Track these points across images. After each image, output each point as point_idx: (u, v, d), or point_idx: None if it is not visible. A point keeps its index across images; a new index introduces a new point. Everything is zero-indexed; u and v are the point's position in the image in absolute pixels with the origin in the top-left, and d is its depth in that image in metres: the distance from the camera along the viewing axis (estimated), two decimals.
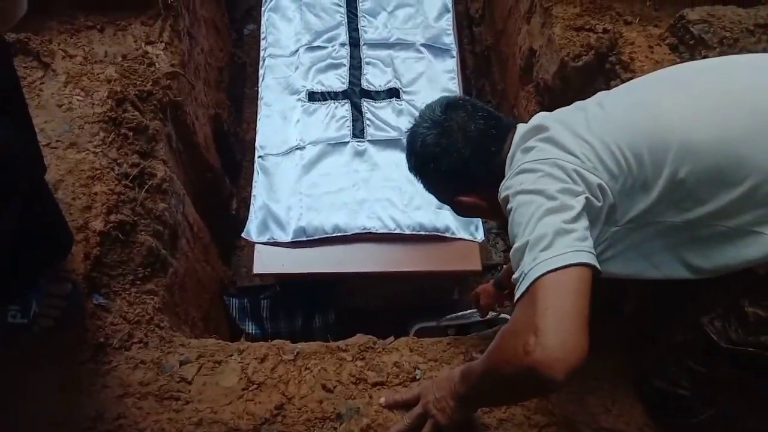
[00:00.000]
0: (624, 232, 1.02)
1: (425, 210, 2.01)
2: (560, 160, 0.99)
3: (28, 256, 1.15)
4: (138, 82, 1.67)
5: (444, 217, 2.00)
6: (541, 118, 1.14)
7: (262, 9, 2.49)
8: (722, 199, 0.96)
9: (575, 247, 0.89)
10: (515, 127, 1.18)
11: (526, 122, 1.16)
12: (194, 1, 2.13)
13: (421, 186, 1.30)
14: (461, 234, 2.00)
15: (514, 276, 0.94)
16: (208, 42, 2.32)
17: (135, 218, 1.47)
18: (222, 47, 2.52)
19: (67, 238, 1.26)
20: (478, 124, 1.17)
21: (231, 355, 1.34)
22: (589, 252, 0.90)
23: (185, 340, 1.40)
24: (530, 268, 0.90)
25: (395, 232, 1.97)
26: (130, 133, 1.57)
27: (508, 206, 1.02)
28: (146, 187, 1.54)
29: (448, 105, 1.22)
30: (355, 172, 2.08)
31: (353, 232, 1.96)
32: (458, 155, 1.17)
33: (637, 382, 1.26)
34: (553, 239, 0.90)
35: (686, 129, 0.97)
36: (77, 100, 1.55)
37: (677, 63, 1.59)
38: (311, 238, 1.96)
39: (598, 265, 0.90)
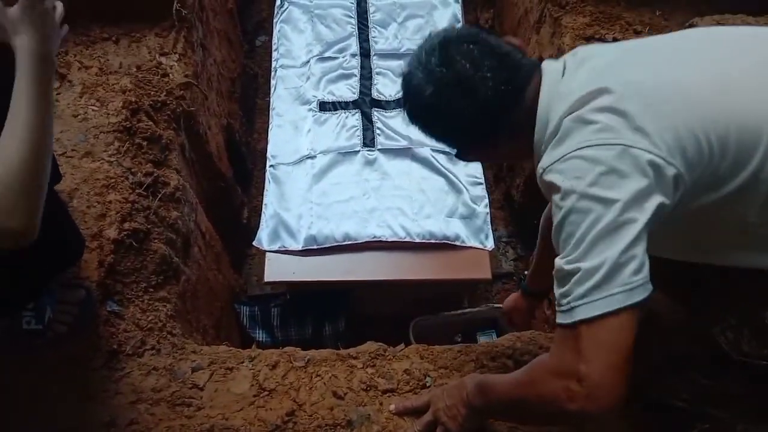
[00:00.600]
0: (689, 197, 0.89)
1: (435, 219, 2.02)
2: (632, 148, 0.83)
3: (40, 261, 1.17)
4: (152, 93, 1.70)
5: (454, 226, 2.00)
6: (598, 69, 0.92)
7: (274, 20, 2.52)
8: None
9: (629, 284, 0.82)
10: (539, 68, 0.98)
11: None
12: (208, 13, 2.16)
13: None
14: (471, 242, 2.00)
15: (558, 294, 0.87)
16: (221, 53, 2.35)
17: (148, 226, 1.49)
18: (234, 58, 2.55)
19: (78, 243, 1.28)
20: (486, 80, 0.94)
21: (242, 362, 1.35)
22: (642, 284, 0.83)
23: (197, 347, 1.42)
24: (578, 304, 0.84)
25: (405, 240, 1.98)
26: (144, 143, 1.59)
27: (557, 202, 0.88)
28: (159, 195, 1.56)
29: (447, 47, 0.97)
30: (366, 181, 2.09)
31: (363, 241, 1.97)
32: (461, 115, 0.97)
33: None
34: (606, 275, 0.82)
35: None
36: (92, 110, 1.58)
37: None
38: (321, 246, 1.97)
39: (647, 292, 0.84)
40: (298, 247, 1.98)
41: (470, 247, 2.00)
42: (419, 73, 0.99)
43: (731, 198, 0.86)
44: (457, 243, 2.00)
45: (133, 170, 1.53)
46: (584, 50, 0.99)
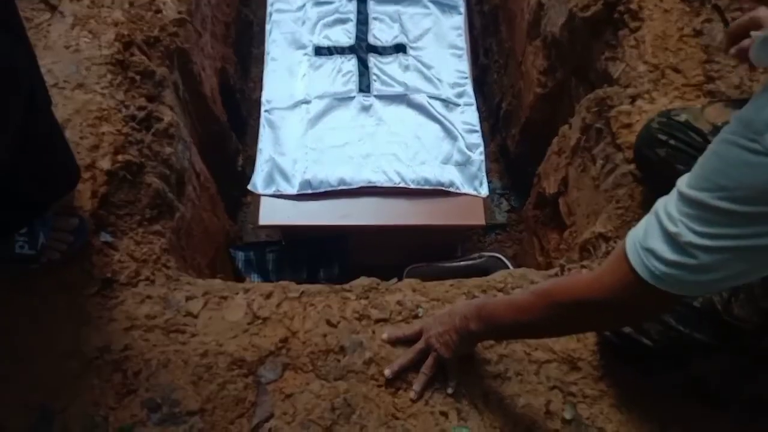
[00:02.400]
0: None
1: (430, 165, 2.01)
2: None
3: (35, 184, 1.16)
4: (145, 28, 1.67)
5: (448, 172, 2.00)
6: None
7: None
8: None
9: (691, 279, 0.73)
10: None
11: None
12: None
13: None
14: (465, 189, 2.00)
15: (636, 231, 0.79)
16: None
17: (142, 159, 1.48)
18: (229, 2, 2.51)
19: (74, 169, 1.27)
20: None
21: (237, 293, 1.35)
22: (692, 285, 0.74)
23: (191, 279, 1.42)
24: (643, 256, 0.76)
25: (400, 186, 1.98)
26: (138, 77, 1.57)
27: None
28: (153, 130, 1.55)
29: None
30: (361, 126, 2.08)
31: (358, 186, 1.97)
32: None
33: None
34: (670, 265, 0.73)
35: None
36: (84, 42, 1.55)
37: (687, 11, 1.58)
38: (316, 191, 1.97)
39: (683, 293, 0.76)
40: (293, 191, 1.97)
41: (464, 194, 2.00)
42: None
43: None
44: (452, 189, 2.00)
45: (126, 103, 1.51)
46: None
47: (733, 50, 0.95)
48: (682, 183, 0.72)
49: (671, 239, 0.72)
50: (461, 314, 1.10)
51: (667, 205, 0.74)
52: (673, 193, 0.74)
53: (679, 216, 0.71)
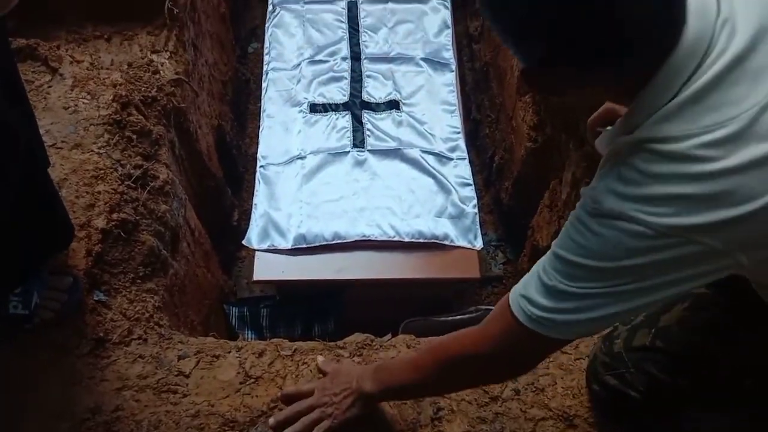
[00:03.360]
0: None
1: (424, 218, 2.03)
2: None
3: (30, 244, 1.17)
4: (143, 88, 1.71)
5: (443, 225, 2.02)
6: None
7: (266, 25, 2.54)
8: None
9: (562, 319, 0.80)
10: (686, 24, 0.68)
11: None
12: (200, 14, 2.18)
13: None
14: (460, 242, 2.01)
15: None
16: (213, 55, 2.37)
17: (137, 218, 1.50)
18: (226, 62, 2.57)
19: (68, 228, 1.28)
20: None
21: (229, 352, 1.34)
22: (566, 330, 0.82)
23: (184, 337, 1.41)
24: (518, 294, 0.84)
25: (395, 239, 1.99)
26: (134, 136, 1.60)
27: (577, 211, 0.79)
28: (148, 188, 1.57)
29: None
30: (356, 181, 2.10)
31: (353, 240, 1.98)
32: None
33: (587, 376, 1.23)
34: (549, 298, 0.81)
35: None
36: (83, 103, 1.59)
37: None
38: (311, 245, 1.98)
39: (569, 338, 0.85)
40: (288, 245, 1.98)
41: (459, 247, 2.01)
42: None
43: None
44: (446, 242, 2.01)
45: (122, 162, 1.54)
46: None
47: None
48: (555, 242, 0.81)
49: (545, 288, 0.80)
50: (358, 375, 1.12)
51: (544, 261, 0.83)
52: (549, 252, 0.82)
53: (552, 270, 0.80)
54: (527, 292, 0.83)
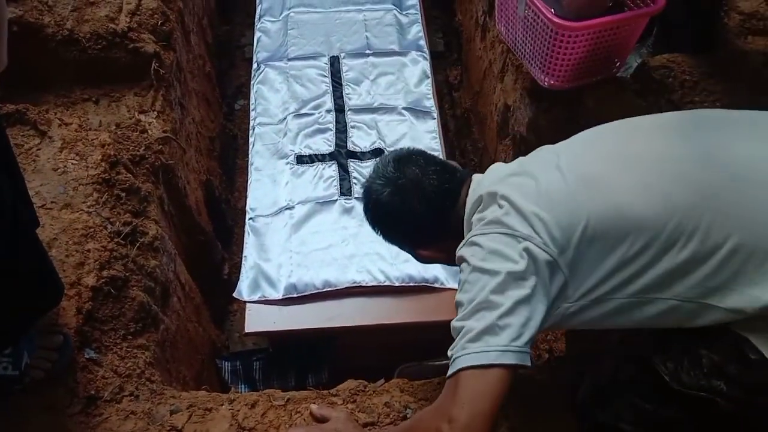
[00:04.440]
0: (577, 308, 1.02)
1: (413, 262, 2.02)
2: (513, 233, 1.00)
3: (19, 305, 1.18)
4: (131, 147, 1.75)
5: (432, 268, 2.03)
6: (495, 180, 1.12)
7: (252, 83, 2.62)
8: (661, 270, 0.96)
9: (504, 346, 0.95)
10: (471, 178, 1.19)
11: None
12: (186, 74, 2.24)
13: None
14: (450, 284, 2.02)
15: (449, 352, 1.01)
16: (200, 113, 2.42)
17: (127, 274, 1.51)
18: (213, 119, 2.63)
19: (57, 287, 1.29)
20: (431, 180, 1.16)
21: (221, 404, 1.34)
22: (519, 351, 0.95)
23: (176, 392, 1.40)
24: (459, 355, 0.97)
25: (385, 284, 2.00)
26: (123, 194, 1.63)
27: (460, 274, 1.06)
28: (138, 244, 1.58)
29: (400, 160, 1.20)
30: (344, 228, 2.13)
31: (343, 287, 1.99)
32: (413, 212, 1.16)
33: (577, 413, 1.24)
34: (483, 334, 0.96)
35: (638, 205, 0.98)
36: (72, 163, 1.61)
37: (643, 105, 1.68)
38: (302, 294, 1.99)
39: (526, 362, 0.97)
40: (278, 295, 1.99)
41: (450, 289, 2.02)
42: (378, 180, 1.21)
43: (609, 279, 0.99)
44: (437, 285, 2.02)
45: (111, 220, 1.56)
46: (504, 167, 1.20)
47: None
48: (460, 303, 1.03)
49: (458, 331, 0.99)
50: None
51: (464, 327, 0.99)
52: (462, 314, 1.00)
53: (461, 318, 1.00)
54: (475, 347, 0.95)
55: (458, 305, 1.03)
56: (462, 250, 1.06)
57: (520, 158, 1.19)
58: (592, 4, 1.57)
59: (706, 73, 1.71)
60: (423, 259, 1.29)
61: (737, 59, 1.75)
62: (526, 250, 0.98)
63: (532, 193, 1.03)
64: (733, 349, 0.97)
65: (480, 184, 1.15)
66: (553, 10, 1.52)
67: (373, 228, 1.29)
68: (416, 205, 1.16)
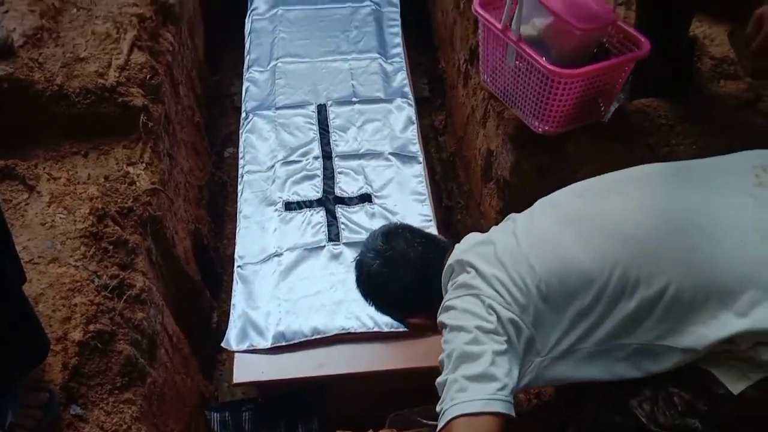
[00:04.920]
0: (550, 361, 1.09)
1: None
2: (478, 294, 1.09)
3: (4, 362, 1.17)
4: (119, 200, 1.76)
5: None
6: (464, 249, 1.22)
7: (240, 131, 2.66)
8: (616, 319, 1.04)
9: (491, 395, 0.99)
10: (452, 248, 1.28)
11: (482, 230, 1.28)
12: (174, 125, 2.28)
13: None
14: None
15: (437, 408, 1.05)
16: (188, 162, 2.45)
17: (113, 328, 1.51)
18: (202, 168, 2.66)
19: (43, 344, 1.29)
20: (417, 250, 1.29)
21: None
22: (504, 400, 1.00)
23: None
24: (449, 406, 1.01)
25: (374, 330, 2.00)
26: (111, 247, 1.64)
27: (443, 337, 1.14)
28: (125, 297, 1.58)
29: (388, 234, 1.34)
30: (332, 274, 2.14)
31: (332, 334, 1.99)
32: (401, 281, 1.28)
33: None
34: (469, 384, 1.01)
35: (581, 261, 1.06)
36: (60, 218, 1.63)
37: (622, 152, 1.72)
38: (290, 342, 1.98)
39: (511, 412, 1.01)
40: (267, 344, 1.98)
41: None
42: (369, 253, 1.33)
43: (573, 331, 1.07)
44: None
45: (99, 273, 1.56)
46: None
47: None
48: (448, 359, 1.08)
49: (443, 385, 1.04)
50: None
51: (452, 378, 1.03)
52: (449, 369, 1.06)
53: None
54: (463, 397, 0.99)
55: (441, 365, 1.09)
56: (440, 316, 1.15)
57: (493, 227, 1.30)
58: (580, 52, 1.63)
59: (682, 117, 1.76)
60: (415, 329, 1.40)
61: (711, 103, 1.80)
62: (492, 308, 1.06)
63: (491, 258, 1.13)
64: (700, 386, 1.02)
65: (453, 254, 1.24)
66: (544, 58, 1.57)
67: (366, 299, 1.39)
68: (403, 274, 1.27)
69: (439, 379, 1.07)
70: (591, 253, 1.06)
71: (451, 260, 1.21)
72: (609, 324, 1.04)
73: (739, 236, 1.01)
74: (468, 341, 1.04)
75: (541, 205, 1.25)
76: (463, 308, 1.09)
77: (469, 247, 1.22)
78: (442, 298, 1.20)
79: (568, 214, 1.16)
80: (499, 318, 1.05)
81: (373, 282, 1.33)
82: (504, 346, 1.03)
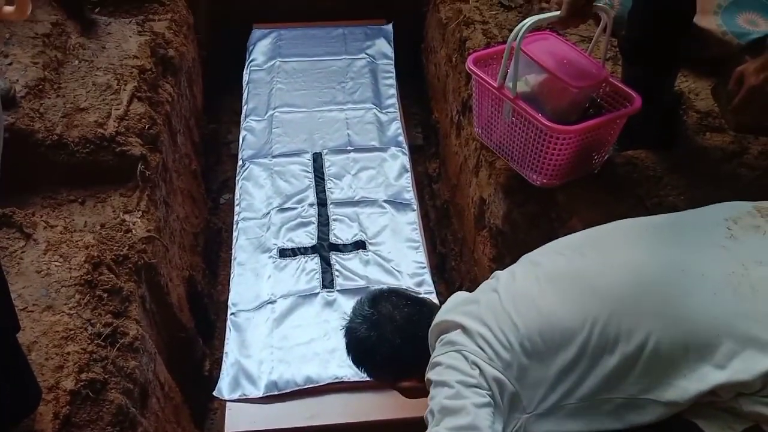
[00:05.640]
0: (535, 418, 1.09)
1: None
2: (462, 350, 1.12)
3: None
4: (115, 248, 1.77)
5: None
6: (451, 308, 1.25)
7: (237, 178, 2.69)
8: (600, 374, 1.05)
9: None
10: (438, 308, 1.31)
11: (476, 277, 1.30)
12: (171, 174, 2.31)
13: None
14: None
15: None
16: (184, 209, 2.47)
17: (106, 376, 1.50)
18: (198, 214, 2.68)
19: (35, 392, 1.28)
20: (403, 313, 1.32)
21: None
22: None
23: None
24: None
25: (367, 379, 1.97)
26: (105, 295, 1.64)
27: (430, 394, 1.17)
28: (118, 345, 1.58)
29: (374, 299, 1.38)
30: (326, 321, 2.14)
31: (325, 383, 1.98)
32: (389, 344, 1.31)
33: None
34: None
35: (561, 318, 1.09)
36: (55, 265, 1.63)
37: (611, 202, 1.76)
38: (283, 391, 1.97)
39: None
40: (259, 393, 1.97)
41: None
42: (356, 319, 1.37)
43: (556, 388, 1.08)
44: None
45: (92, 321, 1.56)
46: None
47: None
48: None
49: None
50: None
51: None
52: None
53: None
54: None
55: (426, 420, 1.12)
56: (427, 373, 1.18)
57: (480, 286, 1.31)
58: (574, 108, 1.68)
59: (669, 168, 1.80)
60: (407, 393, 1.40)
61: (697, 155, 1.85)
62: (475, 363, 1.09)
63: (475, 315, 1.16)
64: None
65: (439, 313, 1.27)
66: (540, 114, 1.62)
67: (357, 366, 1.42)
68: (391, 337, 1.30)
69: None
70: (571, 309, 1.09)
71: (437, 320, 1.24)
72: (593, 379, 1.05)
73: (712, 289, 1.03)
74: (450, 396, 1.07)
75: (523, 263, 1.28)
76: (448, 364, 1.11)
77: (454, 306, 1.25)
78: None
79: (548, 272, 1.18)
80: (482, 373, 1.08)
81: (362, 347, 1.36)
82: (486, 399, 1.06)
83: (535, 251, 1.29)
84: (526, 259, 1.29)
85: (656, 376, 1.02)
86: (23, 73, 2.01)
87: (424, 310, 1.33)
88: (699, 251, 1.10)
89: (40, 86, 2.03)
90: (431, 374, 1.16)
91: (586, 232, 1.28)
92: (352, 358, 1.41)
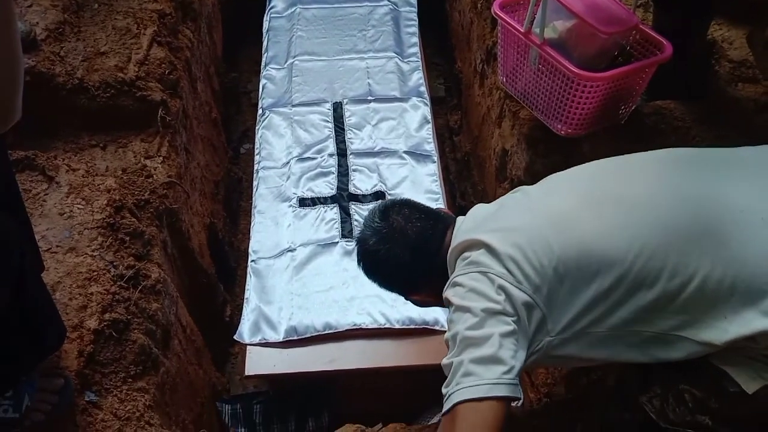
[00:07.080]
0: (559, 341, 1.06)
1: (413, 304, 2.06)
2: (488, 272, 1.05)
3: (21, 347, 1.20)
4: (136, 192, 1.79)
5: (432, 310, 2.04)
6: (473, 224, 1.18)
7: (256, 128, 2.68)
8: (633, 307, 1.01)
9: (496, 379, 0.97)
10: (455, 220, 1.25)
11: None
12: (192, 120, 2.31)
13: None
14: None
15: (443, 390, 1.03)
16: (205, 157, 2.47)
17: (128, 317, 1.53)
18: (218, 163, 2.68)
19: (60, 330, 1.31)
20: (415, 226, 1.23)
21: None
22: (509, 383, 0.98)
23: None
24: (453, 391, 1.00)
25: (385, 326, 2.01)
26: (127, 238, 1.66)
27: (448, 315, 1.12)
28: (140, 287, 1.61)
29: (385, 210, 1.28)
30: (345, 270, 2.15)
31: (344, 329, 2.00)
32: (400, 258, 1.23)
33: None
34: (474, 368, 0.99)
35: (604, 245, 1.03)
36: (78, 208, 1.65)
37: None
38: (302, 336, 2.00)
39: (517, 394, 0.99)
40: (279, 338, 2.00)
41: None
42: (366, 231, 1.29)
43: (587, 314, 1.03)
44: (437, 327, 2.03)
45: (115, 263, 1.59)
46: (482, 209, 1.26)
47: None
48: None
49: (449, 368, 1.03)
50: None
51: (459, 361, 1.01)
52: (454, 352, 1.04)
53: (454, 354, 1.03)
54: (468, 381, 0.97)
55: (447, 343, 1.07)
56: (446, 292, 1.12)
57: (501, 198, 1.25)
58: (603, 55, 1.63)
59: (698, 120, 1.75)
60: (417, 303, 1.36)
61: (728, 106, 1.79)
62: (502, 287, 1.03)
63: (504, 234, 1.09)
64: (713, 384, 1.01)
65: (459, 228, 1.21)
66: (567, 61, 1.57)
67: (367, 275, 1.35)
68: (400, 252, 1.22)
69: (444, 361, 1.05)
70: (616, 238, 1.03)
71: (459, 235, 1.17)
72: (625, 310, 1.01)
73: None
74: (474, 325, 1.01)
75: (558, 181, 1.20)
76: (471, 287, 1.05)
77: (478, 223, 1.17)
78: (443, 275, 1.17)
79: (588, 193, 1.11)
80: (509, 298, 1.02)
81: (371, 260, 1.29)
82: (512, 327, 1.00)
83: (569, 171, 1.21)
84: (559, 178, 1.21)
85: (694, 314, 0.99)
86: (43, 15, 2.00)
87: (439, 226, 1.24)
88: (758, 189, 1.04)
89: (60, 29, 2.02)
90: (451, 294, 1.09)
91: (626, 157, 1.20)
92: (362, 268, 1.34)
